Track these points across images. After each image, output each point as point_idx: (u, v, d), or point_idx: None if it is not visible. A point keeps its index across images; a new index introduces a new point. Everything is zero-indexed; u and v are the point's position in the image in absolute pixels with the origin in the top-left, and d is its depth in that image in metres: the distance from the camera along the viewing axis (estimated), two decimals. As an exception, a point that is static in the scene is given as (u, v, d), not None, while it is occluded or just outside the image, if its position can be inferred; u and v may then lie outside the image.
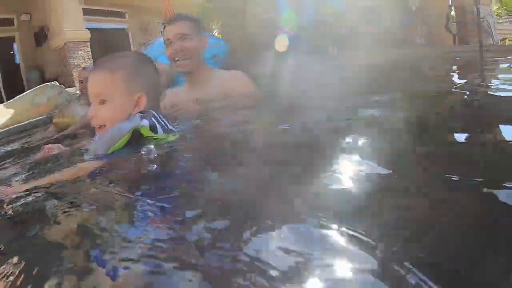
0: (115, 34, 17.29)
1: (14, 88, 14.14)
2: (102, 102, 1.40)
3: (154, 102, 1.51)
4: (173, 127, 1.54)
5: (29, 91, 8.36)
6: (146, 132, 1.33)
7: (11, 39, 14.92)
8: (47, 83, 8.72)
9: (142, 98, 1.42)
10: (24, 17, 14.91)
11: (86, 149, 1.52)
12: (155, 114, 1.42)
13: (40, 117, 7.46)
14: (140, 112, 1.40)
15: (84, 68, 4.29)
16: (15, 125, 7.49)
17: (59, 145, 1.72)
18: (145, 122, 1.34)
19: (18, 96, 8.39)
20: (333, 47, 11.04)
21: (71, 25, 12.53)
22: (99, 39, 14.37)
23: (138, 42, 16.89)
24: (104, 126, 1.41)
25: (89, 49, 12.96)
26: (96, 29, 14.77)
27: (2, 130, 7.69)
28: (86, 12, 13.43)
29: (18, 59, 15.08)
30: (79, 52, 12.64)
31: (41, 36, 14.54)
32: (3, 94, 14.31)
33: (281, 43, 4.25)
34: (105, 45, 16.33)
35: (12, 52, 15.09)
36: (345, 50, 9.18)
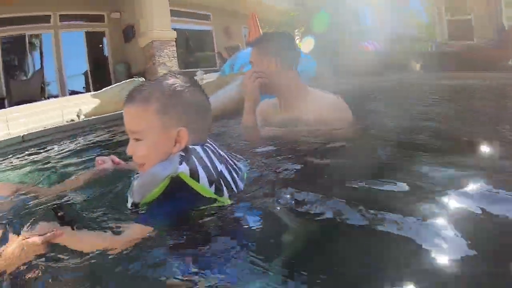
0: (200, 35, 17.79)
1: (101, 79, 15.13)
2: (137, 139, 1.22)
3: (202, 135, 1.28)
4: (237, 164, 1.34)
5: (116, 84, 8.61)
6: (186, 178, 1.12)
7: (102, 34, 16.01)
8: (134, 77, 9.14)
9: (183, 133, 1.20)
10: (114, 15, 15.87)
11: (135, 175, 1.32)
12: (201, 153, 1.19)
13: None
14: (183, 151, 1.18)
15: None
16: (102, 115, 8.01)
17: (113, 156, 1.56)
18: (183, 167, 1.11)
19: (106, 88, 8.73)
20: (416, 63, 10.52)
21: (159, 25, 13.00)
22: (184, 39, 15.01)
23: (222, 44, 17.32)
24: (143, 165, 1.23)
25: (174, 48, 13.33)
26: (182, 29, 15.43)
27: (89, 118, 8.28)
28: (173, 13, 13.96)
29: (106, 52, 16.13)
30: (165, 50, 13.02)
31: (129, 33, 15.27)
32: (90, 83, 15.28)
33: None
34: (190, 45, 17.06)
35: (101, 46, 16.18)
36: (429, 68, 8.70)
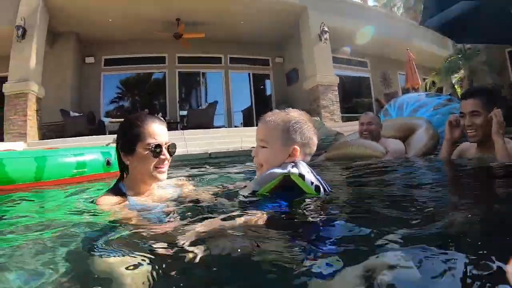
0: (357, 82, 18.09)
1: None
2: (263, 146, 1.68)
3: (306, 157, 1.70)
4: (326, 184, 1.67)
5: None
6: (296, 178, 1.53)
7: (266, 76, 17.57)
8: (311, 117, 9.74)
9: (296, 151, 1.62)
10: (278, 60, 17.34)
11: (244, 186, 1.80)
12: (305, 164, 1.63)
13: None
14: (293, 162, 1.60)
15: (365, 113, 4.54)
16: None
17: None
18: (295, 170, 1.55)
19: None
20: None
21: (323, 71, 13.59)
22: (342, 85, 15.45)
23: (379, 90, 17.37)
24: (262, 166, 1.69)
25: (337, 93, 13.72)
26: (340, 75, 15.95)
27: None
28: (334, 60, 14.56)
29: (269, 92, 17.54)
30: (329, 94, 13.47)
31: (292, 77, 16.36)
32: (254, 119, 16.65)
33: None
34: (347, 91, 17.41)
35: (264, 87, 17.75)
36: None
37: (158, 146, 1.80)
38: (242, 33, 15.51)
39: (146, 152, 1.78)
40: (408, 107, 6.48)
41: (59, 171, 4.44)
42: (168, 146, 1.86)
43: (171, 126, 13.72)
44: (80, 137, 10.83)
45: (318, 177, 1.64)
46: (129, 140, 1.81)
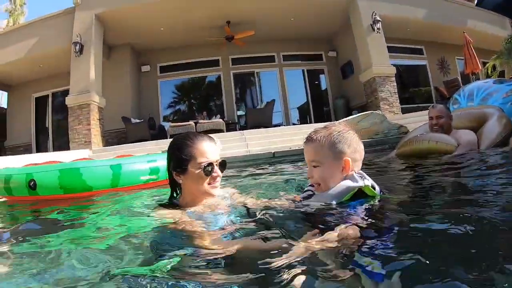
0: (413, 70, 17.50)
1: (320, 112, 16.38)
2: (316, 166, 1.71)
3: (358, 166, 1.73)
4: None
5: (354, 116, 9.00)
6: (369, 191, 1.63)
7: (320, 71, 17.37)
8: (372, 111, 9.46)
9: (347, 162, 1.66)
10: (331, 54, 17.06)
11: (308, 191, 1.87)
12: (365, 175, 1.70)
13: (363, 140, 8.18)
14: (358, 173, 1.68)
15: (433, 106, 4.36)
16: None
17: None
18: (367, 182, 1.64)
19: (345, 118, 9.12)
20: None
21: (378, 61, 13.19)
22: (398, 75, 14.98)
23: (437, 78, 16.65)
24: (319, 184, 1.72)
25: (394, 84, 13.29)
26: (395, 65, 15.47)
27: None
28: (389, 49, 14.12)
29: (324, 87, 17.32)
30: (386, 86, 13.09)
31: (347, 70, 16.05)
32: (312, 115, 16.69)
33: None
34: (404, 81, 16.87)
35: (319, 82, 17.56)
36: None
37: (210, 164, 1.84)
38: (293, 29, 15.43)
39: (199, 171, 1.82)
40: (479, 95, 6.22)
41: (133, 177, 4.63)
42: (219, 163, 1.90)
43: (229, 127, 13.93)
44: (142, 142, 11.20)
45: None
46: (180, 160, 1.85)
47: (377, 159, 4.70)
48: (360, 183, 1.61)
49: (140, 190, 4.27)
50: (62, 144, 13.48)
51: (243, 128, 13.20)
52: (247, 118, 14.13)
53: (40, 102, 16.02)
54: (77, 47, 12.12)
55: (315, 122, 14.29)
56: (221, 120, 13.39)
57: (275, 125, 14.13)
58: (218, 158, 1.89)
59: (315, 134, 1.73)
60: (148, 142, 11.23)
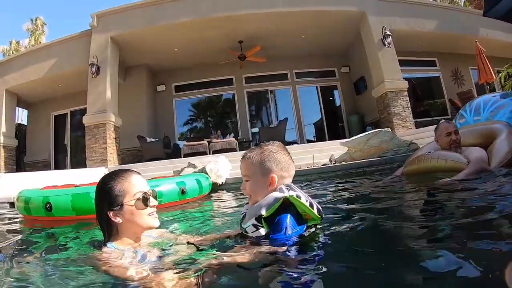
0: (427, 83, 17.36)
1: (335, 128, 16.36)
2: (247, 180, 1.89)
3: (287, 181, 1.89)
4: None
5: (363, 134, 8.99)
6: (294, 199, 1.74)
7: (334, 87, 17.40)
8: (381, 128, 9.44)
9: (273, 179, 1.83)
10: (344, 69, 17.13)
11: (244, 213, 1.93)
12: (296, 187, 1.83)
13: (373, 159, 8.16)
14: (286, 185, 1.83)
15: (448, 122, 4.18)
16: (352, 162, 8.49)
17: None
18: (292, 192, 1.75)
19: (355, 137, 9.10)
20: None
21: (390, 76, 13.17)
22: (411, 88, 14.89)
23: (451, 90, 16.48)
24: (251, 196, 1.89)
25: (407, 98, 13.21)
26: (409, 78, 15.38)
27: (340, 163, 8.84)
28: (401, 63, 14.11)
29: (338, 103, 17.34)
30: (399, 101, 13.03)
31: (361, 86, 16.06)
32: (326, 131, 16.70)
33: None
34: (418, 94, 16.77)
35: (333, 98, 17.55)
36: None
37: (145, 193, 1.83)
38: (305, 46, 15.60)
39: (135, 203, 1.80)
40: (486, 109, 6.10)
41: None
42: (152, 192, 1.90)
43: (243, 146, 14.05)
44: (156, 161, 11.41)
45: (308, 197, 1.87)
46: (114, 198, 1.79)
47: (381, 179, 4.67)
48: (286, 193, 1.74)
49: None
50: (80, 160, 13.87)
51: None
52: (260, 137, 14.22)
53: (59, 120, 16.49)
54: (94, 68, 12.49)
55: (330, 139, 14.29)
56: (233, 139, 13.45)
57: (289, 143, 14.19)
58: (148, 189, 1.89)
59: (249, 153, 1.93)
60: (162, 161, 11.41)
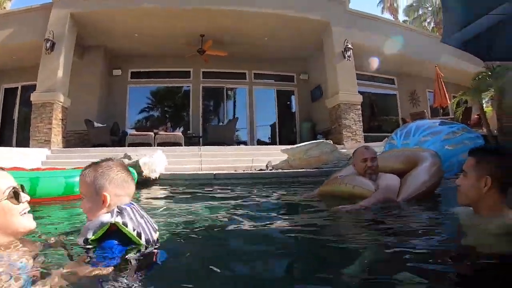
0: (384, 99, 17.70)
1: (287, 133, 16.44)
2: (83, 198, 1.80)
3: (124, 199, 1.82)
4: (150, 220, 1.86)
5: (305, 143, 8.98)
6: (120, 226, 1.66)
7: (291, 92, 17.45)
8: (323, 140, 9.49)
9: (105, 197, 1.72)
10: (303, 76, 17.19)
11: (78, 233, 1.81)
12: (129, 211, 1.75)
13: (309, 169, 8.09)
14: (119, 208, 1.72)
15: (365, 147, 3.94)
16: (289, 170, 8.52)
17: None
18: (119, 219, 1.67)
19: (296, 145, 9.16)
20: None
21: (345, 88, 13.25)
22: (368, 102, 15.15)
23: (406, 109, 16.88)
24: (88, 215, 1.79)
25: (360, 112, 13.34)
26: (366, 92, 15.63)
27: (277, 170, 8.86)
28: (360, 76, 14.29)
29: (294, 109, 17.35)
30: (351, 113, 13.13)
31: (316, 94, 16.10)
32: (277, 136, 16.67)
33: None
34: (374, 109, 17.11)
35: (289, 103, 17.55)
36: None
37: (15, 187, 1.63)
38: (267, 49, 15.51)
39: (5, 201, 1.58)
40: (417, 134, 6.22)
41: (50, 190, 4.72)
42: (21, 186, 1.71)
43: (192, 141, 13.89)
44: (100, 148, 11.14)
45: (145, 223, 1.80)
46: None
47: (296, 197, 4.59)
48: (112, 219, 1.67)
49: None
50: (26, 138, 13.33)
51: (205, 144, 13.15)
52: (207, 134, 14.08)
53: (9, 94, 15.75)
54: (48, 44, 11.91)
55: (282, 143, 14.27)
56: (180, 133, 13.21)
57: (239, 143, 14.16)
58: (17, 184, 1.68)
59: (86, 169, 1.84)
60: (105, 148, 11.11)
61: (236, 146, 12.86)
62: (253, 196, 4.85)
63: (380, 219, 2.97)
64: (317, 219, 3.13)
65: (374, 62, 15.26)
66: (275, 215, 3.48)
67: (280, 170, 8.44)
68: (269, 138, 17.00)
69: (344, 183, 3.73)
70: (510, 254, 1.85)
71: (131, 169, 5.84)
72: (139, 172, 6.72)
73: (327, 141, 9.14)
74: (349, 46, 13.32)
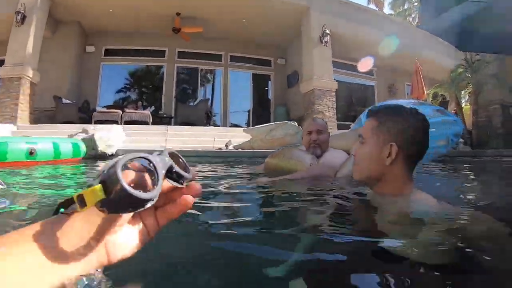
0: (362, 90, 17.65)
1: (262, 118, 16.18)
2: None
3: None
4: None
5: (269, 124, 8.84)
6: None
7: (267, 77, 17.22)
8: (287, 121, 9.43)
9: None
10: (280, 61, 16.99)
11: None
12: None
13: (271, 150, 8.15)
14: None
15: (314, 119, 3.72)
16: (249, 150, 8.40)
17: None
18: None
19: (259, 126, 9.03)
20: None
21: (320, 74, 13.15)
22: (346, 92, 15.08)
23: (384, 99, 16.81)
24: None
25: (334, 99, 13.26)
26: (344, 82, 15.55)
27: (236, 150, 8.77)
28: (337, 65, 14.17)
29: (270, 94, 17.21)
30: (325, 99, 13.03)
31: (293, 79, 15.94)
32: (251, 120, 16.47)
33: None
34: (351, 99, 17.06)
35: (266, 88, 17.33)
36: None
37: None
38: (245, 31, 15.24)
39: None
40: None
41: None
42: None
43: (164, 122, 13.69)
44: (67, 124, 10.91)
45: None
46: None
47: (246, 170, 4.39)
48: None
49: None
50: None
51: (176, 124, 12.92)
52: (177, 114, 13.88)
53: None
54: (19, 17, 11.56)
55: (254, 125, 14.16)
56: (147, 112, 12.93)
57: (213, 125, 14.02)
58: None
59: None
60: (73, 125, 10.86)
61: (204, 127, 12.63)
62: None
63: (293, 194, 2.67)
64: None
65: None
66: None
67: (240, 150, 8.36)
68: (245, 123, 16.74)
69: (284, 156, 3.51)
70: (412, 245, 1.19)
71: (79, 142, 5.70)
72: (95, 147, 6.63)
73: (292, 122, 9.01)
74: (327, 31, 13.20)
